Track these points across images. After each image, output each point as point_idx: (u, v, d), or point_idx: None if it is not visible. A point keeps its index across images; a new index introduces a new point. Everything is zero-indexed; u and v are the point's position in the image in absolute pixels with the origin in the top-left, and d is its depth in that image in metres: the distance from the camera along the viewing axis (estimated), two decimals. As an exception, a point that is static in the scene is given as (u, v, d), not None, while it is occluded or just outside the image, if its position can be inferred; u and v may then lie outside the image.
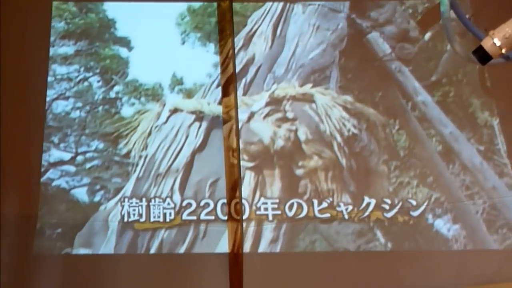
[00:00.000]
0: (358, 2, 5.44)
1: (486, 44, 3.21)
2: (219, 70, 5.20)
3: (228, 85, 5.05)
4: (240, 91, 5.13)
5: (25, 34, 5.10)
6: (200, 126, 5.00)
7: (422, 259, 4.64)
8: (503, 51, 3.21)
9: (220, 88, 5.12)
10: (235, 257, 4.57)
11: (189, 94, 5.12)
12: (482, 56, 3.25)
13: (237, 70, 5.21)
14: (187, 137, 4.96)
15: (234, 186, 4.77)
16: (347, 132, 5.00)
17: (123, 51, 5.23)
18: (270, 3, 5.42)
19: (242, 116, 5.03)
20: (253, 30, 5.37)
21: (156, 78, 5.13)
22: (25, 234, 4.60)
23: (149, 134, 4.96)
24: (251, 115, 5.04)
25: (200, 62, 5.22)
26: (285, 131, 4.99)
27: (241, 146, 4.92)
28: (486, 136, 5.01)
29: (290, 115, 5.05)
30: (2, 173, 4.67)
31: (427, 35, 5.39)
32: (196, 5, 5.43)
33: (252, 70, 5.22)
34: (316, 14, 5.42)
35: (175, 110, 5.05)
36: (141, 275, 4.55)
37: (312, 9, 5.45)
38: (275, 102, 5.08)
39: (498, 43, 3.18)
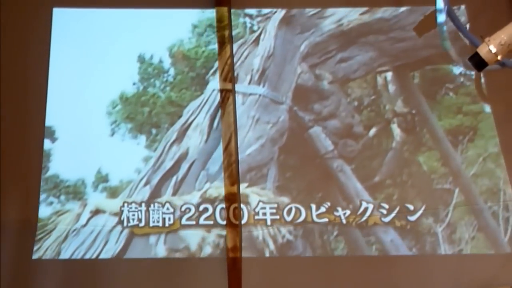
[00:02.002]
0: (301, 93, 5.20)
1: (482, 50, 3.31)
2: (149, 165, 4.89)
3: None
4: (169, 191, 4.82)
5: (25, 39, 5.05)
6: (122, 231, 4.64)
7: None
8: (499, 57, 3.31)
9: (148, 186, 4.81)
10: (234, 262, 4.51)
11: (114, 193, 4.77)
12: (478, 62, 3.34)
13: (169, 166, 4.90)
14: (106, 243, 4.60)
15: (232, 191, 4.63)
16: (281, 239, 4.69)
17: (45, 143, 4.89)
18: (209, 92, 5.17)
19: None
20: (189, 121, 5.09)
21: (79, 174, 4.79)
22: (25, 239, 4.52)
23: (65, 238, 4.58)
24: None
25: (129, 156, 4.91)
26: (215, 237, 4.66)
27: (164, 253, 4.59)
28: (428, 245, 4.74)
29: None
30: (2, 178, 4.60)
31: (372, 131, 5.16)
32: (130, 92, 5.14)
33: (184, 167, 4.91)
34: (256, 105, 5.16)
35: (96, 211, 4.70)
36: (140, 279, 4.48)
37: (253, 99, 5.19)
38: (206, 204, 4.76)
39: (493, 49, 3.29)
